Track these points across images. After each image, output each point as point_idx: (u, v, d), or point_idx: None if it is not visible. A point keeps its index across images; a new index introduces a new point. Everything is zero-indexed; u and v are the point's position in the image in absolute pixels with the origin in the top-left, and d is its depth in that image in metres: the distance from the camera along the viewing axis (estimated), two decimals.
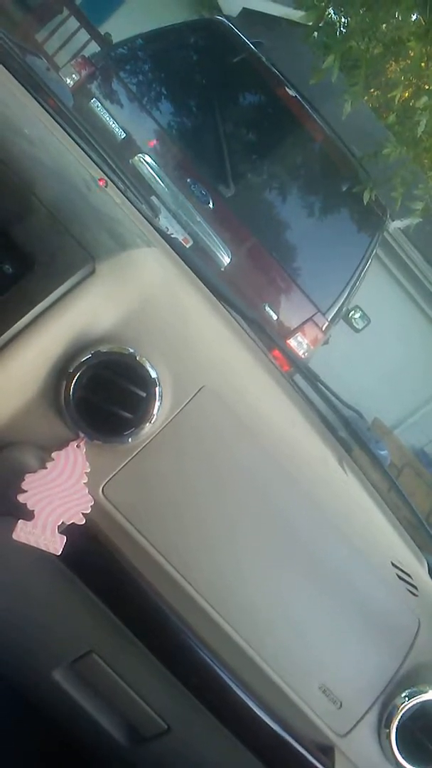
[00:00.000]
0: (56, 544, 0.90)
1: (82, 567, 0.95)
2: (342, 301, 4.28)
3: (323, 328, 4.21)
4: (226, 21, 4.50)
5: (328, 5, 4.48)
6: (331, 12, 4.56)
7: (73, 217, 0.94)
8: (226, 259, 3.93)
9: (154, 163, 3.89)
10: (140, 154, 3.88)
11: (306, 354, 4.17)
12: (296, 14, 6.20)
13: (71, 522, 0.91)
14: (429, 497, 4.74)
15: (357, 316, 5.12)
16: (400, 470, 4.85)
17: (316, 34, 4.43)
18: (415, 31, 4.17)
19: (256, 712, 1.00)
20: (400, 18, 4.41)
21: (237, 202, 4.04)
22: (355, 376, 5.89)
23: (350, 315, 5.02)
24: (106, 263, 0.92)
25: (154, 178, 3.85)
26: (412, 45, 4.16)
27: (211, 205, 3.95)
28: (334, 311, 4.26)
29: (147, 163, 3.87)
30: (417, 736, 1.07)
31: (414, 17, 4.37)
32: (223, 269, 3.92)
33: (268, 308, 4.08)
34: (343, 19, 4.63)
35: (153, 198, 3.77)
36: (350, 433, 1.52)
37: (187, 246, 3.75)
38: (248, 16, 7.02)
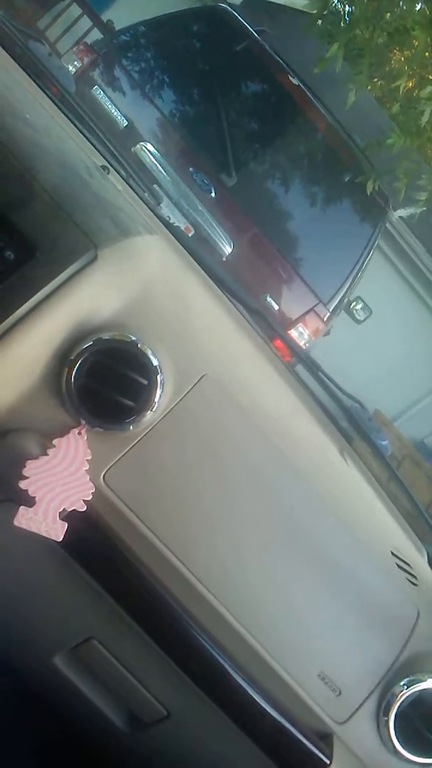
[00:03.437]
0: (57, 531, 0.91)
1: (82, 553, 0.96)
2: (344, 291, 4.27)
3: (325, 319, 4.20)
4: (229, 8, 4.46)
5: None
6: (335, 0, 4.51)
7: (76, 203, 0.94)
8: (227, 249, 3.91)
9: (156, 152, 3.86)
10: (142, 142, 3.86)
11: (307, 344, 4.16)
12: (300, 2, 6.15)
13: (72, 509, 0.91)
14: (429, 489, 4.76)
15: (359, 307, 5.10)
16: (400, 462, 4.86)
17: (320, 22, 4.39)
18: (420, 20, 4.13)
19: (256, 698, 1.01)
20: (404, 7, 4.38)
21: (239, 192, 4.02)
22: (357, 367, 5.88)
23: (352, 306, 5.00)
24: (109, 250, 0.92)
25: (156, 166, 3.83)
26: (417, 34, 4.13)
27: (213, 194, 3.93)
28: (336, 302, 4.24)
29: (149, 151, 3.85)
30: (415, 724, 1.08)
31: (418, 6, 4.33)
32: (224, 258, 3.90)
33: (269, 298, 4.07)
34: (347, 8, 4.59)
35: (155, 186, 3.75)
36: (351, 424, 1.52)
37: (189, 235, 3.74)
38: (252, 3, 6.96)
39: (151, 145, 3.88)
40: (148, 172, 3.79)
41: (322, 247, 4.28)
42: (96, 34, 5.64)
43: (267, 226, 4.10)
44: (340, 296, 4.26)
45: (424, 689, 1.09)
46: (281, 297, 4.13)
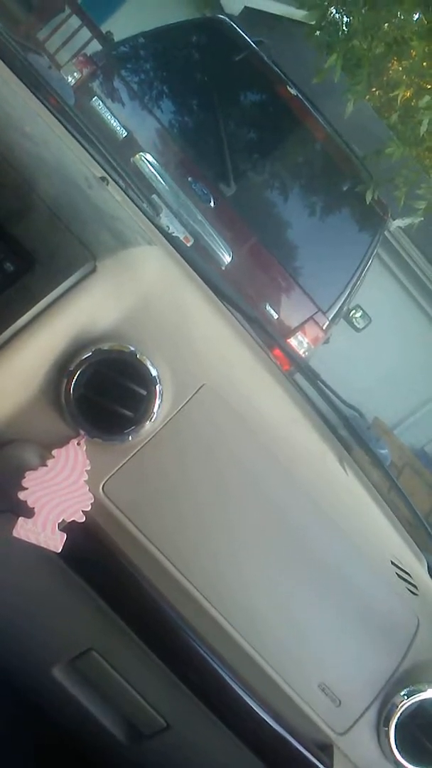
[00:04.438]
0: (56, 542, 0.90)
1: (81, 564, 0.95)
2: (343, 300, 4.28)
3: (324, 327, 4.21)
4: (227, 20, 4.50)
5: (330, 4, 4.47)
6: (334, 11, 4.54)
7: (75, 214, 0.94)
8: (227, 258, 3.92)
9: (155, 162, 3.88)
10: (141, 153, 3.88)
11: (306, 353, 4.16)
12: (299, 13, 6.19)
13: (71, 520, 0.91)
14: (429, 497, 4.74)
15: (358, 315, 5.10)
16: (400, 470, 4.85)
17: (318, 33, 4.42)
18: (418, 30, 4.16)
19: (256, 710, 1.00)
20: (402, 17, 4.41)
21: (238, 201, 4.04)
22: (356, 375, 5.89)
23: (351, 314, 5.01)
24: (108, 261, 0.92)
25: (156, 176, 3.85)
26: (415, 45, 4.15)
27: (212, 204, 3.95)
28: (335, 310, 4.25)
29: (148, 161, 3.86)
30: (415, 735, 1.08)
31: (416, 17, 4.36)
32: (223, 268, 3.92)
33: (268, 307, 4.08)
34: (345, 18, 4.62)
35: (154, 197, 3.77)
36: (350, 432, 1.52)
37: (188, 245, 3.75)
38: (250, 14, 7.01)
39: (150, 155, 3.89)
40: (147, 183, 3.80)
41: (321, 255, 4.30)
42: (95, 46, 5.68)
43: (266, 236, 4.11)
44: (339, 304, 4.27)
45: (425, 699, 1.08)
46: (280, 305, 4.14)
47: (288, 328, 4.14)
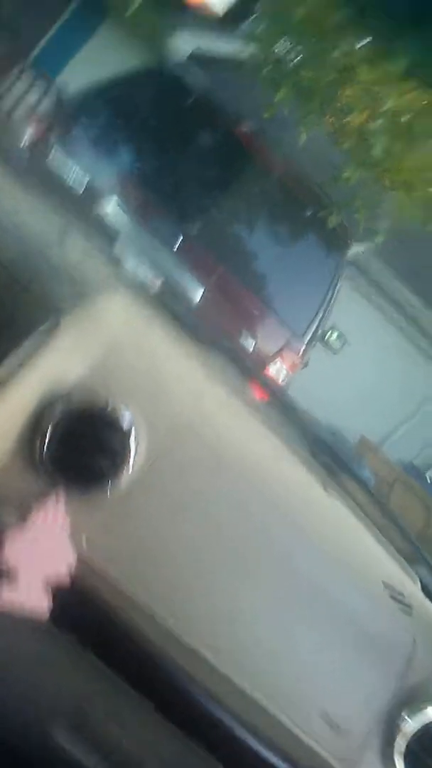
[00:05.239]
0: (43, 607, 0.89)
1: (69, 624, 0.94)
2: (317, 323, 4.31)
3: (300, 352, 4.23)
4: (178, 64, 4.60)
5: (277, 38, 4.57)
6: (277, 50, 4.63)
7: (34, 274, 0.95)
8: (198, 294, 3.95)
9: (117, 207, 3.92)
10: (103, 200, 3.92)
11: (285, 380, 4.18)
12: (245, 53, 6.34)
13: (57, 583, 0.90)
14: (422, 511, 4.73)
15: (334, 337, 5.13)
16: (391, 486, 4.83)
17: (265, 71, 4.51)
18: (366, 56, 4.26)
19: (258, 748, 0.99)
20: (349, 45, 4.51)
21: (204, 238, 4.07)
22: (338, 396, 5.91)
23: (327, 337, 5.04)
24: (70, 317, 0.93)
25: (119, 221, 3.88)
26: (363, 70, 4.25)
27: (178, 243, 3.98)
28: (310, 334, 4.28)
29: (110, 209, 3.90)
30: (420, 756, 1.06)
31: (363, 43, 4.46)
32: (195, 304, 3.94)
33: (244, 338, 4.10)
34: (293, 52, 4.71)
35: (119, 242, 3.80)
36: (332, 458, 1.53)
37: (157, 286, 3.77)
38: (199, 57, 7.17)
39: (113, 201, 3.93)
40: (111, 229, 3.83)
41: (291, 282, 4.34)
42: (49, 101, 5.75)
43: (235, 268, 4.14)
44: (313, 328, 4.30)
45: (428, 720, 1.07)
46: (256, 335, 4.15)
47: (265, 356, 4.15)
